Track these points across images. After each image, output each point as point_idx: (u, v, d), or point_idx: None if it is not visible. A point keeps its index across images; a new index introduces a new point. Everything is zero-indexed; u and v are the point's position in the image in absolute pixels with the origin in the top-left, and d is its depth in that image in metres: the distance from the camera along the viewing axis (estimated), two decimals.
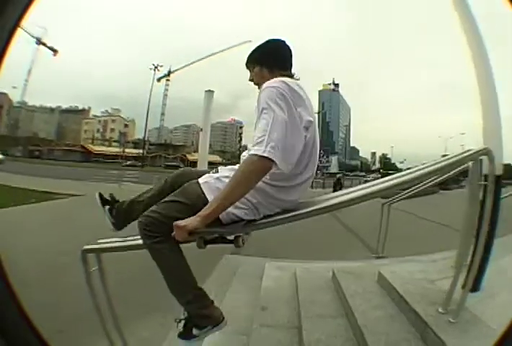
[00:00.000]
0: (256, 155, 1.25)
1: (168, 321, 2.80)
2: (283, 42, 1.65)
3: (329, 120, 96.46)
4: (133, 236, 1.61)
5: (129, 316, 2.71)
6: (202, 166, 10.31)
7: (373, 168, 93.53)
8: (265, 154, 1.24)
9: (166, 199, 1.53)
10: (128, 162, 52.83)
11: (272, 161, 1.25)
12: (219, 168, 1.60)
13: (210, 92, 9.62)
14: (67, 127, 72.24)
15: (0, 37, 0.82)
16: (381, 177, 1.58)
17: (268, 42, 1.64)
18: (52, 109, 73.52)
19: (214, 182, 1.47)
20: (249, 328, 2.70)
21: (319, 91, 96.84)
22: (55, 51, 59.22)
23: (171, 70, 65.23)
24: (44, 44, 58.01)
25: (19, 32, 0.86)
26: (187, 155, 65.06)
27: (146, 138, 64.47)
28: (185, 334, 1.58)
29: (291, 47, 1.65)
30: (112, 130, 73.65)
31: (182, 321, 1.61)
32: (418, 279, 2.58)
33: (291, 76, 1.60)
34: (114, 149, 63.70)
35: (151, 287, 3.50)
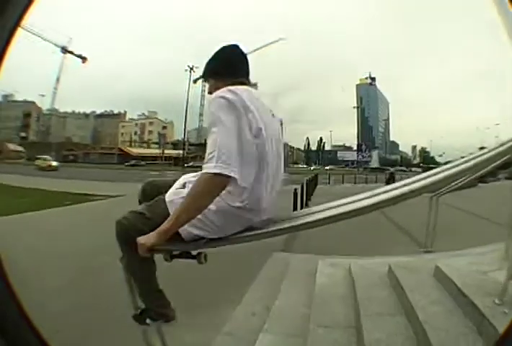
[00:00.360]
0: (206, 173, 1.19)
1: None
2: (235, 47, 1.60)
3: (367, 115, 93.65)
4: None
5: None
6: None
7: (414, 162, 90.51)
8: (216, 170, 1.17)
9: (137, 209, 1.55)
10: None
11: (227, 176, 1.18)
12: (184, 180, 1.55)
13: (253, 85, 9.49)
14: (103, 132, 75.14)
15: (0, 37, 0.82)
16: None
17: (218, 51, 1.60)
18: (86, 115, 76.85)
19: (179, 200, 1.37)
20: (305, 328, 2.64)
21: (357, 86, 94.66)
22: (83, 58, 61.68)
23: None
24: (71, 52, 60.36)
25: (18, 31, 0.85)
26: None
27: (185, 139, 65.65)
28: (139, 320, 1.70)
29: (244, 52, 1.59)
30: (150, 132, 75.75)
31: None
32: (473, 271, 2.51)
33: (245, 82, 1.53)
34: (153, 151, 65.54)
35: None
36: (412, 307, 2.28)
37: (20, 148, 55.20)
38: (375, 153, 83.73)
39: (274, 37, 67.98)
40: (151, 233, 1.30)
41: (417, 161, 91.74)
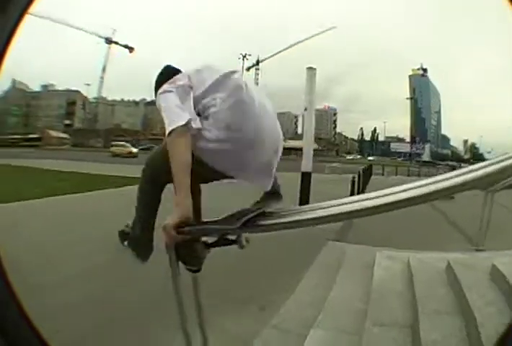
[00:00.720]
0: (167, 137, 1.34)
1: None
2: (166, 67, 1.79)
3: (420, 107, 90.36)
4: None
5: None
6: (308, 150, 9.33)
7: (465, 157, 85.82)
8: (169, 129, 1.32)
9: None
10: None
11: (179, 127, 1.31)
12: None
13: (311, 69, 9.17)
14: (153, 118, 74.22)
15: (0, 37, 0.81)
16: None
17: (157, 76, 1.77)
18: (136, 102, 77.90)
19: None
20: (359, 326, 2.56)
21: (409, 76, 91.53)
22: (130, 48, 63.22)
23: (260, 59, 67.64)
24: (116, 43, 62.07)
25: (19, 32, 0.84)
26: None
27: None
28: (121, 238, 1.98)
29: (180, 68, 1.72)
30: None
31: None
32: None
33: None
34: None
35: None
36: (469, 306, 2.20)
37: (63, 135, 57.63)
38: (427, 147, 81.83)
39: (326, 26, 67.18)
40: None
41: (467, 156, 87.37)
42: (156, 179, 1.67)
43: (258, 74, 69.66)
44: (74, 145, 51.54)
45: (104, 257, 3.89)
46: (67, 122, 64.73)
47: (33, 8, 0.89)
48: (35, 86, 64.03)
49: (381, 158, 63.41)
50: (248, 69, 65.57)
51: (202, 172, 1.47)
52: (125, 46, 61.70)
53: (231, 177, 1.55)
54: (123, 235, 1.97)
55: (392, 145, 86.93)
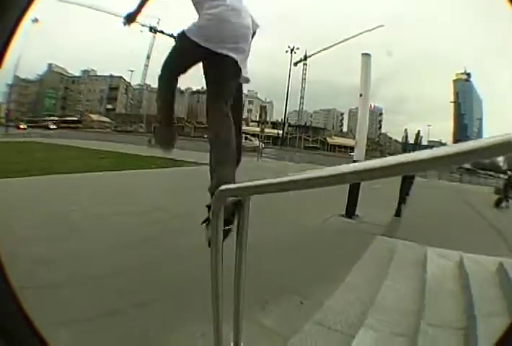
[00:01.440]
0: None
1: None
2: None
3: (463, 113, 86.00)
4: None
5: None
6: (361, 138, 8.86)
7: (504, 168, 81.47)
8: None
9: None
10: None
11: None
12: None
13: (367, 56, 8.85)
14: (199, 108, 73.86)
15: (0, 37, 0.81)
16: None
17: None
18: (181, 91, 77.40)
19: None
20: (412, 326, 2.43)
21: (454, 81, 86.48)
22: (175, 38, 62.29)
23: (308, 54, 64.43)
24: (162, 32, 60.60)
25: (19, 32, 0.85)
26: (327, 138, 65.13)
27: (285, 119, 65.65)
28: None
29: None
30: (249, 110, 73.69)
31: None
32: None
33: None
34: (252, 128, 65.76)
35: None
36: None
37: (105, 119, 59.42)
38: None
39: (373, 24, 63.41)
40: None
41: (505, 167, 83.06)
42: (172, 71, 2.07)
43: (306, 69, 66.86)
44: (116, 129, 52.94)
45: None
46: (109, 106, 66.21)
47: (33, 8, 0.90)
48: (75, 71, 65.66)
49: None
50: (296, 64, 63.72)
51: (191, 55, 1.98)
52: (171, 35, 61.56)
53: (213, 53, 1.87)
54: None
55: None
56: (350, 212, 7.36)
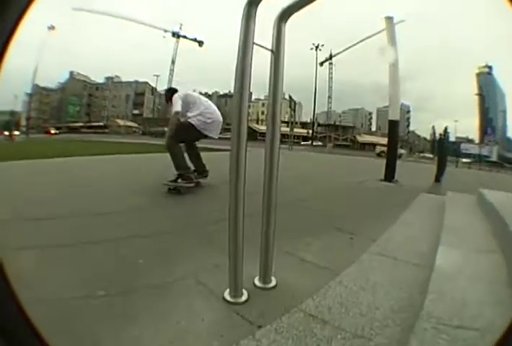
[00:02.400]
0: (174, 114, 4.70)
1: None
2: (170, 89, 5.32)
3: (488, 106, 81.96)
4: None
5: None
6: (395, 96, 8.59)
7: None
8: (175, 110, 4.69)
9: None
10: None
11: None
12: None
13: (389, 19, 8.46)
14: (227, 110, 74.85)
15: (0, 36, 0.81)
16: None
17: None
18: (209, 95, 78.21)
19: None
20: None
21: (476, 75, 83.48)
22: (200, 42, 62.98)
23: (333, 53, 64.52)
24: (185, 37, 62.36)
25: (18, 33, 0.84)
26: (356, 136, 65.24)
27: (314, 118, 66.12)
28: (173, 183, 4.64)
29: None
30: None
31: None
32: None
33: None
34: (282, 129, 65.53)
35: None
36: None
37: (132, 124, 60.85)
38: (495, 148, 74.24)
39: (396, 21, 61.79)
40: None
41: None
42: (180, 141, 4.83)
43: (332, 68, 67.02)
44: (144, 133, 54.25)
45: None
46: (135, 111, 67.80)
47: (33, 8, 0.87)
48: (99, 79, 67.51)
49: (453, 159, 59.69)
50: (321, 64, 64.62)
51: (196, 135, 4.88)
52: (194, 40, 62.50)
53: (205, 136, 4.92)
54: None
55: (462, 145, 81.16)
56: (389, 176, 7.14)
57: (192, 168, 4.96)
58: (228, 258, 1.75)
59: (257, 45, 1.66)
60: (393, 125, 8.11)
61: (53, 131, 46.07)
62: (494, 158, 70.36)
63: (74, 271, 2.05)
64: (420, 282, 1.92)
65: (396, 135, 8.37)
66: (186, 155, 4.93)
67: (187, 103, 4.78)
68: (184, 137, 4.76)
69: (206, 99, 5.08)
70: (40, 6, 0.90)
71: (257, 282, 1.94)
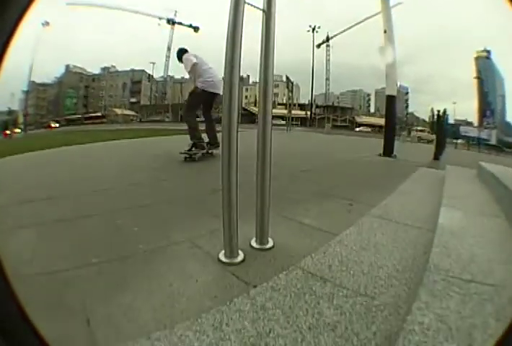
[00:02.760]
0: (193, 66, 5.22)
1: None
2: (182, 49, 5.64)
3: (487, 90, 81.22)
4: None
5: None
6: (392, 70, 8.35)
7: None
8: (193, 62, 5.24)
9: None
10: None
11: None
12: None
13: (386, 1, 8.13)
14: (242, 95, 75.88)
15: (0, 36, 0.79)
16: None
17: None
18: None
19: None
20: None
21: (475, 58, 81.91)
22: (195, 28, 61.63)
23: (330, 36, 62.95)
24: (180, 23, 60.85)
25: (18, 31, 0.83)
26: (355, 117, 64.62)
27: (312, 99, 65.40)
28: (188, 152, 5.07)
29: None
30: (276, 94, 74.28)
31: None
32: None
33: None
34: (280, 111, 65.67)
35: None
36: None
37: (130, 112, 60.16)
38: (494, 132, 74.08)
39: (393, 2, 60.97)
40: None
41: None
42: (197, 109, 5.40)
43: (329, 51, 65.03)
44: (141, 121, 53.93)
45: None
46: (133, 100, 67.17)
47: (37, 9, 0.88)
48: (95, 70, 66.75)
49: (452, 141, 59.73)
50: (318, 46, 62.64)
51: (207, 96, 5.19)
52: (190, 26, 61.46)
53: (214, 94, 5.19)
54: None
55: (461, 128, 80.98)
56: (388, 151, 7.08)
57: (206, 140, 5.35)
58: (222, 216, 1.67)
59: (248, 4, 1.59)
60: (390, 100, 8.01)
61: (53, 125, 45.59)
62: (493, 142, 71.12)
63: (68, 244, 2.00)
64: (423, 242, 1.86)
65: (394, 111, 8.24)
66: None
67: (202, 62, 5.20)
68: (198, 102, 5.23)
69: (206, 63, 5.30)
70: (34, 4, 0.88)
71: (253, 243, 1.88)
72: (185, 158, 5.01)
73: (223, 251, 1.73)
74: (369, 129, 51.13)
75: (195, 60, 5.04)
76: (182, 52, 5.32)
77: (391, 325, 1.15)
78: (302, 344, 1.06)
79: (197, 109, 5.29)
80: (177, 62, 5.47)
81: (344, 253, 1.72)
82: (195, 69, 5.08)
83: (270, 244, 1.88)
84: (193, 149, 5.06)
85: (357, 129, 51.28)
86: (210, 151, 5.29)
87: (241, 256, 1.71)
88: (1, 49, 0.77)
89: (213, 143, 5.35)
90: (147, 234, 2.11)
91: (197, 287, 1.48)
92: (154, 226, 2.28)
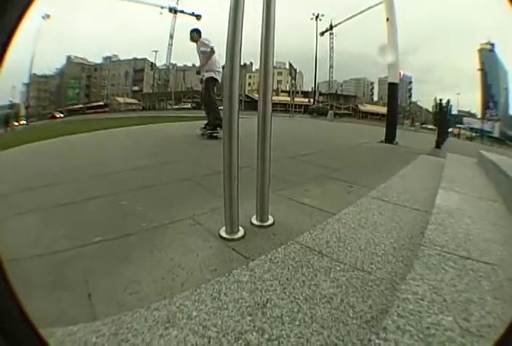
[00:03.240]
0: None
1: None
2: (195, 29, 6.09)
3: (490, 83, 79.66)
4: None
5: None
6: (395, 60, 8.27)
7: None
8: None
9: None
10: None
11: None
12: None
13: None
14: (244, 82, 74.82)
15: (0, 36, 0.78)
16: None
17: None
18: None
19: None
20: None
21: (479, 50, 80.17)
22: (197, 16, 60.83)
23: (333, 24, 62.34)
24: (182, 11, 60.20)
25: (19, 30, 0.82)
26: (358, 105, 64.37)
27: (315, 87, 65.60)
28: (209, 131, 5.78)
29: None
30: (279, 81, 73.59)
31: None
32: None
33: None
34: (283, 98, 65.04)
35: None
36: None
37: (132, 101, 59.93)
38: (497, 125, 72.99)
39: None
40: None
41: None
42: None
43: (332, 39, 64.65)
44: (144, 108, 53.70)
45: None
46: (135, 88, 66.64)
47: (33, 8, 0.84)
48: (97, 60, 66.17)
49: (455, 131, 59.08)
50: (322, 34, 62.60)
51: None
52: (192, 14, 60.70)
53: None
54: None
55: (465, 119, 79.90)
56: (390, 137, 7.05)
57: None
58: (223, 192, 1.69)
59: None
60: (392, 87, 7.93)
61: (57, 115, 45.43)
62: (496, 134, 71.30)
63: (71, 225, 2.03)
64: (420, 223, 1.88)
65: (396, 98, 8.19)
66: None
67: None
68: (213, 88, 5.72)
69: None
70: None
71: (254, 220, 1.91)
72: (202, 134, 5.93)
73: (223, 228, 1.75)
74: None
75: (215, 47, 5.52)
76: (198, 33, 5.77)
77: (387, 299, 1.17)
78: (298, 315, 1.09)
79: (214, 93, 5.76)
80: (189, 40, 5.91)
81: (342, 230, 1.75)
82: (211, 54, 5.56)
83: (270, 221, 1.90)
84: (217, 129, 5.60)
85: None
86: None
87: (241, 232, 1.74)
88: (3, 46, 0.77)
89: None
90: (150, 214, 2.13)
91: (198, 261, 1.50)
92: (158, 206, 2.31)
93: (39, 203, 2.47)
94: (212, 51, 5.51)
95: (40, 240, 1.80)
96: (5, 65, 0.79)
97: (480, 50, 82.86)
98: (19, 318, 0.78)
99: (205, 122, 5.99)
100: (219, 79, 5.54)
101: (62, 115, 45.86)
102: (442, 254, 1.28)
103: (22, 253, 1.61)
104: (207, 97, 5.73)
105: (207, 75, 5.63)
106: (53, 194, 2.70)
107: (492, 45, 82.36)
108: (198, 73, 6.03)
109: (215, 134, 5.63)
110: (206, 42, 5.59)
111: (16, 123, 35.16)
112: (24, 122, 37.64)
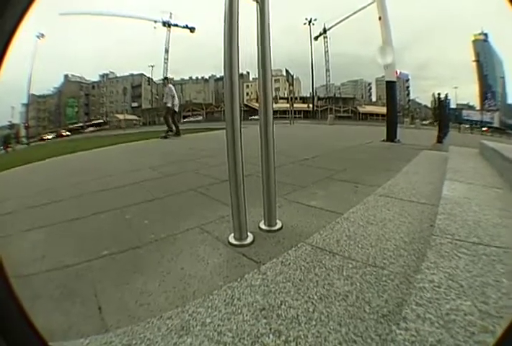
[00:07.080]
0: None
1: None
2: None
3: (486, 73, 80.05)
4: None
5: None
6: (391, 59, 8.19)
7: None
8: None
9: None
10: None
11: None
12: None
13: None
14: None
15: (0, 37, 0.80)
16: None
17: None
18: (206, 79, 75.64)
19: None
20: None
21: (473, 41, 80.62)
22: (191, 29, 61.85)
23: (327, 27, 62.95)
24: (176, 25, 61.10)
25: (19, 31, 0.83)
26: (358, 107, 64.54)
27: (313, 91, 65.65)
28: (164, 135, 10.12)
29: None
30: (277, 89, 74.14)
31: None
32: None
33: None
34: (282, 105, 65.18)
35: None
36: None
37: (132, 117, 60.18)
38: (496, 115, 73.11)
39: None
40: None
41: None
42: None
43: (327, 42, 65.06)
44: (144, 124, 54.03)
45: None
46: (134, 104, 67.07)
47: (33, 8, 0.85)
48: (94, 78, 66.82)
49: (455, 125, 59.01)
50: (316, 38, 63.35)
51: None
52: (185, 27, 61.57)
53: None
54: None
55: (464, 112, 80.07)
56: (391, 136, 7.04)
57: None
58: (230, 198, 1.70)
59: None
60: (390, 86, 7.98)
61: (64, 133, 46.22)
62: (496, 124, 70.88)
63: (78, 241, 2.01)
64: (429, 216, 1.87)
65: (395, 96, 8.22)
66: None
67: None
68: (169, 112, 10.00)
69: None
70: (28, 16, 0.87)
71: (262, 225, 1.90)
72: (162, 137, 9.81)
73: (232, 235, 1.75)
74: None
75: (174, 92, 10.11)
76: (167, 79, 9.17)
77: (402, 293, 1.16)
78: (314, 314, 1.07)
79: (169, 115, 10.04)
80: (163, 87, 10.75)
81: (351, 228, 1.74)
82: (172, 95, 9.91)
83: (279, 225, 1.90)
84: (169, 133, 9.85)
85: None
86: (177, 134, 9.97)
87: (250, 238, 1.73)
88: (1, 49, 0.78)
89: (177, 131, 9.99)
90: (157, 225, 2.13)
91: (209, 269, 1.49)
92: (164, 217, 2.31)
93: (46, 219, 2.47)
94: (173, 94, 9.96)
95: (47, 255, 1.80)
96: (4, 66, 0.79)
97: (474, 41, 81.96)
98: (19, 318, 0.78)
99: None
100: (172, 107, 9.90)
101: (69, 133, 46.24)
102: (454, 242, 1.27)
103: (31, 269, 1.61)
104: (163, 117, 10.49)
105: (167, 104, 9.93)
106: (57, 211, 2.71)
107: (486, 34, 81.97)
108: (164, 104, 10.22)
109: (167, 136, 9.77)
110: (171, 88, 10.18)
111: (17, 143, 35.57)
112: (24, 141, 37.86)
